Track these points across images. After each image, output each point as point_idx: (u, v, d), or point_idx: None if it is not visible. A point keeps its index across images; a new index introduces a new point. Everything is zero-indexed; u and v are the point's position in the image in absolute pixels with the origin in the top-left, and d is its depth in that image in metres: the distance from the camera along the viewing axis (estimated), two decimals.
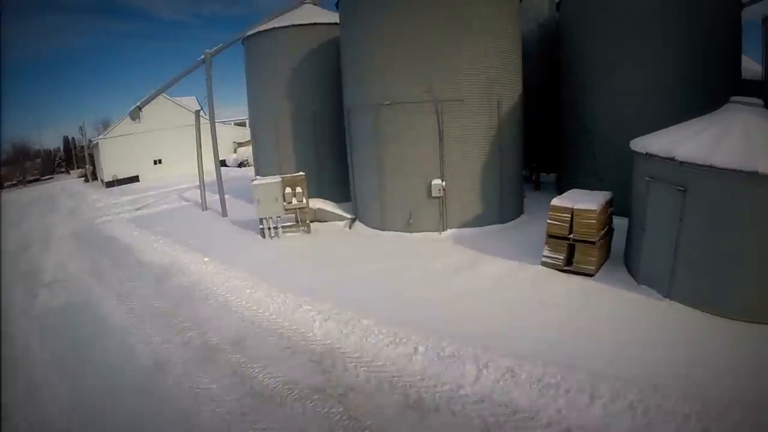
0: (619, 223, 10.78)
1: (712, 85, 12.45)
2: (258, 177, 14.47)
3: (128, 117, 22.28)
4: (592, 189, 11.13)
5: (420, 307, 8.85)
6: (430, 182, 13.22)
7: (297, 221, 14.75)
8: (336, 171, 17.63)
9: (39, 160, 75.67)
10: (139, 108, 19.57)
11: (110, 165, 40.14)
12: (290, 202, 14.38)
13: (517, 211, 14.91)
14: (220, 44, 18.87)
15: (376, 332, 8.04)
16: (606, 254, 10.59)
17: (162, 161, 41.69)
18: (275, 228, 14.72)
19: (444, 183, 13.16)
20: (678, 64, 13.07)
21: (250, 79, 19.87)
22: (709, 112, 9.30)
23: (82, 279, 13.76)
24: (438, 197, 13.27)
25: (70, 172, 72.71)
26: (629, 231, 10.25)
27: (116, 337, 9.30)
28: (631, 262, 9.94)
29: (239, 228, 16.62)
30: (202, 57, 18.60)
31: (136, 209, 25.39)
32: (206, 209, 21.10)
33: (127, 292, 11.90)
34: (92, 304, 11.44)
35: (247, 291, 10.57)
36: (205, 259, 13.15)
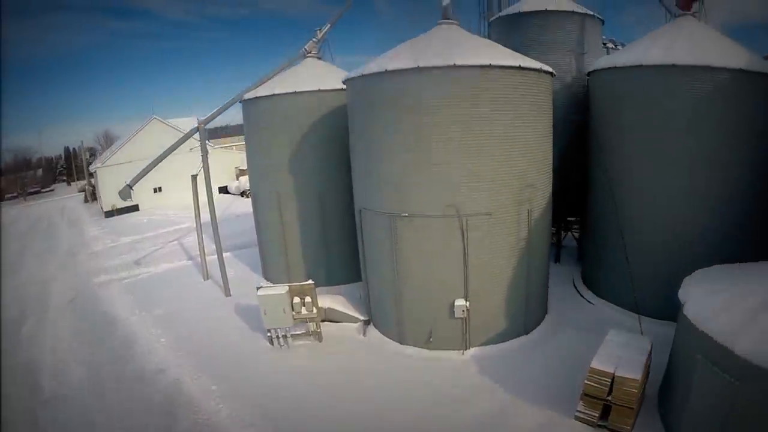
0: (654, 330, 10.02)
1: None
2: (263, 285, 13.28)
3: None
4: (616, 269, 11.61)
5: None
6: (453, 301, 11.94)
7: (308, 330, 13.60)
8: (345, 251, 16.41)
9: (40, 170, 74.80)
10: (130, 187, 18.34)
11: (109, 194, 38.87)
12: (299, 312, 13.17)
13: (542, 311, 13.83)
14: (214, 110, 17.71)
15: None
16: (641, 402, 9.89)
17: (162, 189, 40.42)
18: (284, 336, 13.56)
19: (468, 303, 11.89)
20: (713, 162, 12.08)
21: (250, 144, 18.48)
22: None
23: (83, 397, 12.59)
24: (461, 318, 12.03)
25: (71, 183, 71.74)
26: (666, 378, 9.54)
27: None
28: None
29: (245, 323, 15.35)
30: (196, 126, 17.43)
31: (135, 262, 24.35)
32: (207, 278, 19.95)
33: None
34: None
35: None
36: (213, 387, 12.00)
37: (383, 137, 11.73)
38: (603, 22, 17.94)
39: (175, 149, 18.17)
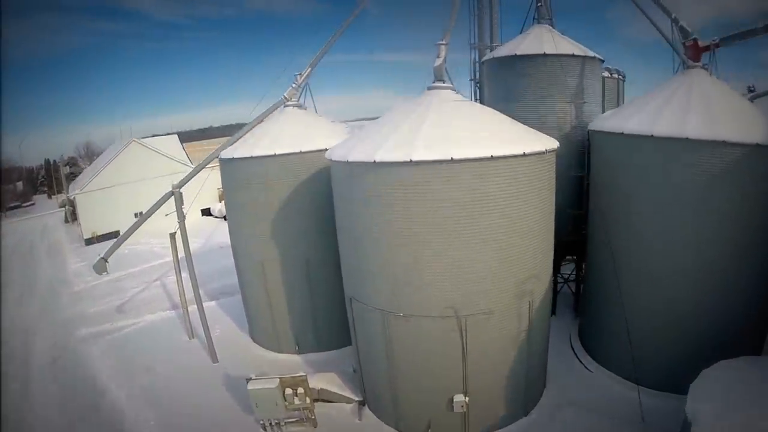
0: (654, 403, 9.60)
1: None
2: (253, 377, 12.48)
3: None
4: (615, 336, 11.53)
5: None
6: (452, 397, 11.30)
7: (301, 417, 12.91)
8: (334, 316, 15.58)
9: (20, 183, 72.17)
10: (105, 260, 17.30)
11: (89, 220, 37.54)
12: (292, 403, 12.45)
13: (541, 385, 13.38)
14: (188, 173, 16.68)
15: None
16: None
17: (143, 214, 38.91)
18: (278, 424, 12.87)
19: (467, 399, 11.26)
20: (724, 239, 11.46)
21: (230, 206, 17.45)
22: None
23: None
24: (460, 413, 11.41)
25: (52, 196, 69.37)
26: None
27: None
28: None
29: (235, 400, 14.55)
30: (171, 191, 16.41)
31: (117, 309, 23.38)
32: (193, 337, 19.08)
33: None
34: None
35: None
36: None
37: (371, 229, 10.85)
38: (603, 60, 17.04)
39: (150, 215, 17.00)
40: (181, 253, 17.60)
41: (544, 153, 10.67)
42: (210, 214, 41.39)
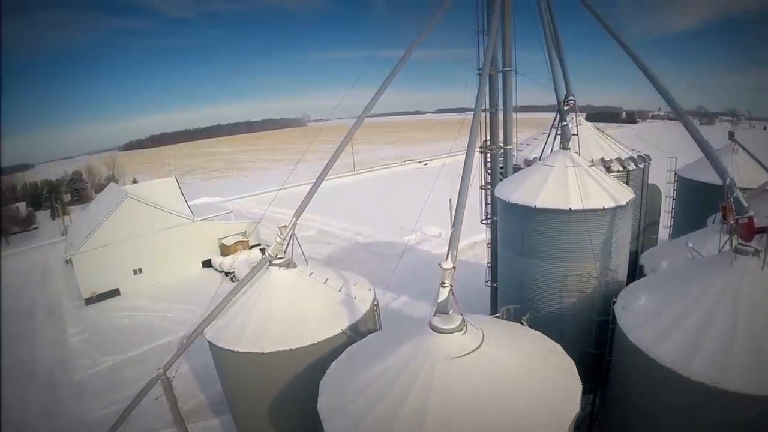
0: None
1: None
2: None
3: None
4: None
5: None
6: None
7: None
8: None
9: (24, 203, 71.22)
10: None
11: (87, 280, 36.29)
12: None
13: None
14: (174, 353, 14.64)
15: None
16: None
17: (142, 270, 37.67)
18: None
19: None
20: None
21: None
22: None
23: None
24: None
25: (55, 218, 68.50)
26: None
27: None
28: None
29: None
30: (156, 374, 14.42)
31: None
32: None
33: None
34: None
35: None
36: None
37: None
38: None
39: (136, 404, 14.87)
40: None
41: None
42: (210, 266, 39.82)
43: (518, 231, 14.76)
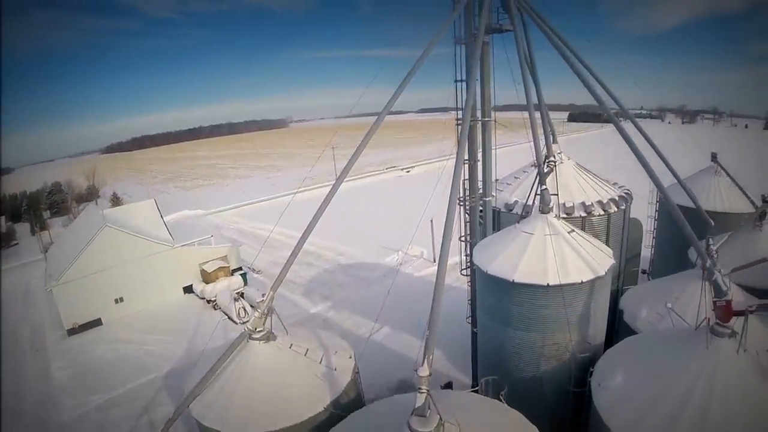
0: None
1: None
2: None
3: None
4: None
5: None
6: None
7: None
8: None
9: (2, 217, 69.48)
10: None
11: (69, 311, 35.67)
12: None
13: None
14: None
15: None
16: None
17: (123, 299, 37.18)
18: None
19: None
20: None
21: None
22: None
23: None
24: None
25: (35, 233, 67.06)
26: None
27: None
28: None
29: None
30: None
31: None
32: None
33: None
34: None
35: None
36: None
37: None
38: None
39: None
40: None
41: None
42: (192, 291, 39.39)
43: (496, 300, 14.90)
